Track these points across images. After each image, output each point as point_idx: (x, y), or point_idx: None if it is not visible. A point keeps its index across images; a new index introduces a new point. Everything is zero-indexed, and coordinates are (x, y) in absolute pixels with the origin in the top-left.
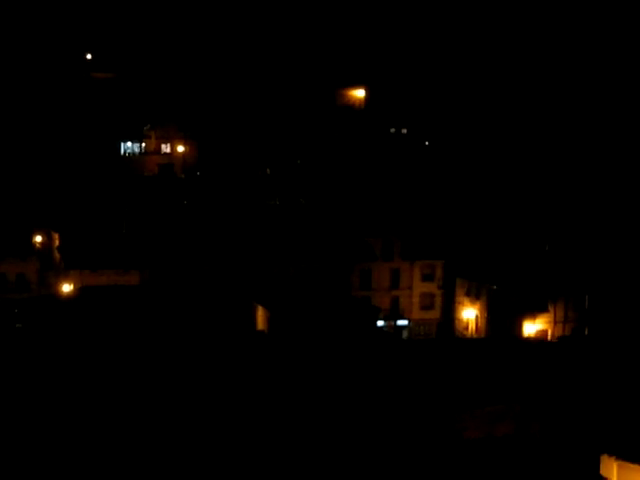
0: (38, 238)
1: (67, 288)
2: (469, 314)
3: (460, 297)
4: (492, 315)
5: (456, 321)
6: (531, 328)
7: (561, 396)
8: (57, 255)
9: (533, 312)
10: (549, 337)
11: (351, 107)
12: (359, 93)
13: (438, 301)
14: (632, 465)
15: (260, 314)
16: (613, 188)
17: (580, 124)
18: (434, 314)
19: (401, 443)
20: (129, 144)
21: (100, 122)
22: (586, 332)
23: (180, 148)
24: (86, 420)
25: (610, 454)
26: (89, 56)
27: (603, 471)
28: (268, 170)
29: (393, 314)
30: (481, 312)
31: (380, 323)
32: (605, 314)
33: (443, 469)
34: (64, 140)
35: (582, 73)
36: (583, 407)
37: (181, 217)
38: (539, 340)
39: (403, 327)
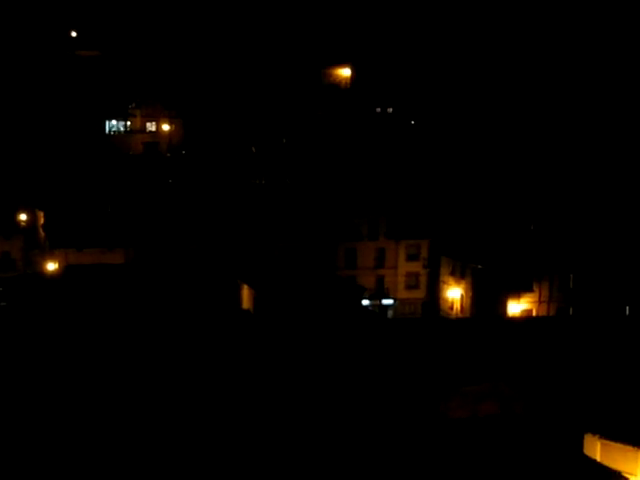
0: (23, 217)
1: (52, 267)
2: (454, 293)
3: (445, 276)
4: (477, 294)
5: (441, 300)
6: (516, 308)
7: (545, 376)
8: (42, 234)
9: (518, 292)
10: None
11: (337, 86)
12: (345, 72)
13: (423, 280)
14: (615, 444)
15: (245, 293)
16: (597, 167)
17: (565, 101)
18: (419, 293)
19: (386, 423)
20: (114, 122)
21: (85, 100)
22: (571, 312)
23: (165, 127)
24: (71, 399)
25: (594, 433)
26: (74, 34)
27: (587, 450)
28: (253, 149)
29: (378, 293)
30: (466, 291)
31: (365, 302)
32: (590, 294)
33: (427, 448)
34: (49, 119)
35: (569, 43)
36: (567, 387)
37: (166, 196)
38: (524, 318)
39: (388, 306)
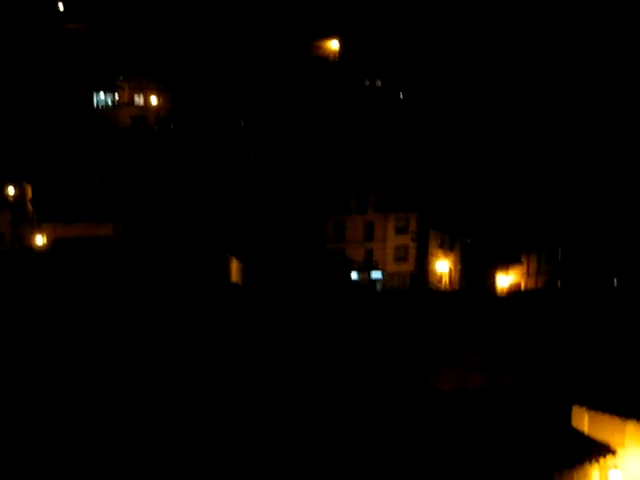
0: (11, 190)
1: (40, 241)
2: (443, 266)
3: (434, 249)
4: (465, 267)
5: (430, 273)
6: (504, 280)
7: (533, 348)
8: (30, 207)
9: (506, 264)
10: (522, 289)
11: (325, 59)
12: (333, 45)
13: (412, 253)
14: (602, 415)
15: (234, 266)
16: (586, 140)
17: (554, 75)
18: (408, 266)
19: (374, 394)
20: (102, 96)
21: (72, 73)
22: (559, 284)
23: (153, 100)
24: (58, 372)
25: (581, 405)
26: (61, 7)
27: (574, 421)
28: (242, 122)
29: (367, 266)
30: (454, 264)
31: (354, 275)
32: (578, 266)
33: (416, 419)
34: (36, 92)
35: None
36: (555, 359)
37: (154, 169)
38: (512, 292)
39: (377, 279)
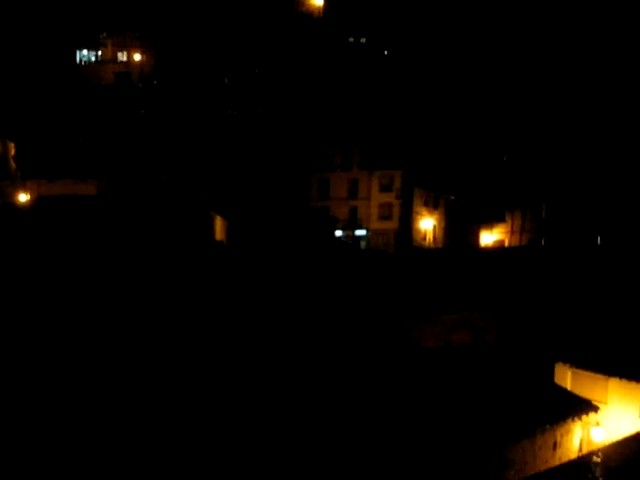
0: None
1: (24, 198)
2: (427, 224)
3: (418, 207)
4: (450, 225)
5: (414, 231)
6: (488, 238)
7: (517, 305)
8: (13, 165)
9: (490, 222)
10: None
11: (310, 15)
12: (318, 1)
13: (396, 211)
14: (585, 372)
15: (218, 224)
16: (569, 98)
17: (540, 36)
18: (392, 224)
19: (358, 352)
20: (85, 52)
21: (55, 30)
22: (543, 242)
23: (137, 56)
24: (39, 332)
25: (564, 362)
26: None
27: (557, 379)
28: (226, 79)
29: (351, 224)
30: (439, 222)
31: (338, 233)
32: (562, 224)
33: (399, 376)
34: (19, 49)
35: None
36: (538, 316)
37: (138, 126)
38: (496, 249)
39: (361, 237)
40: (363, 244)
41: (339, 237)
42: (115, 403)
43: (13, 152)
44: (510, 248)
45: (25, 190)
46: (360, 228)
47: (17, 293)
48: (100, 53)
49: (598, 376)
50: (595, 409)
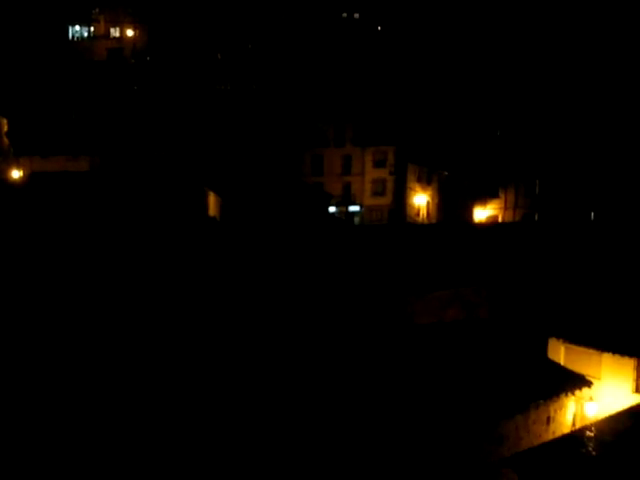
0: None
1: (16, 174)
2: (420, 200)
3: (412, 183)
4: (443, 201)
5: (407, 207)
6: (482, 214)
7: (510, 281)
8: (6, 141)
9: (484, 198)
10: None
11: None
12: None
13: (390, 187)
14: (578, 347)
15: (212, 200)
16: (562, 71)
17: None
18: (386, 200)
19: (350, 328)
20: (77, 28)
21: (47, 5)
22: (536, 218)
23: (130, 32)
24: (31, 308)
25: (558, 337)
26: None
27: (551, 354)
28: (219, 55)
29: (345, 200)
30: (432, 198)
31: (332, 209)
32: (555, 200)
33: (393, 352)
34: (11, 24)
35: None
36: (532, 292)
37: (131, 103)
38: (490, 224)
39: (355, 213)
40: (357, 220)
41: (333, 213)
42: (102, 381)
43: (6, 128)
44: (503, 224)
45: (18, 166)
46: (354, 204)
47: (10, 269)
48: (93, 29)
49: (591, 351)
50: (588, 384)
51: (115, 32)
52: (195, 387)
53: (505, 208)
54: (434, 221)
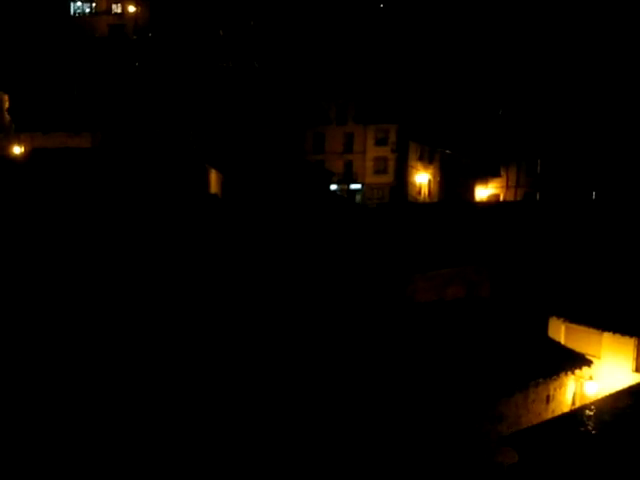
0: None
1: (18, 150)
2: (422, 178)
3: (413, 161)
4: (445, 179)
5: (409, 185)
6: (483, 193)
7: (511, 259)
8: (7, 117)
9: (485, 177)
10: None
11: None
12: None
13: (391, 165)
14: (579, 326)
15: (213, 178)
16: (568, 50)
17: None
18: (387, 178)
19: (351, 305)
20: (79, 4)
21: None
22: (538, 197)
23: (131, 8)
24: (32, 282)
25: (558, 316)
26: None
27: (551, 333)
28: (221, 31)
29: (346, 178)
30: (434, 176)
31: (333, 187)
32: (557, 179)
33: (394, 331)
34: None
35: None
36: (533, 270)
37: (133, 79)
38: (491, 203)
39: (356, 191)
40: (358, 198)
41: (334, 191)
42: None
43: (7, 104)
44: (505, 202)
45: (19, 143)
46: (355, 182)
47: (11, 245)
48: (94, 5)
49: (592, 330)
50: (588, 363)
51: (117, 8)
52: (196, 361)
53: (507, 187)
54: (435, 200)
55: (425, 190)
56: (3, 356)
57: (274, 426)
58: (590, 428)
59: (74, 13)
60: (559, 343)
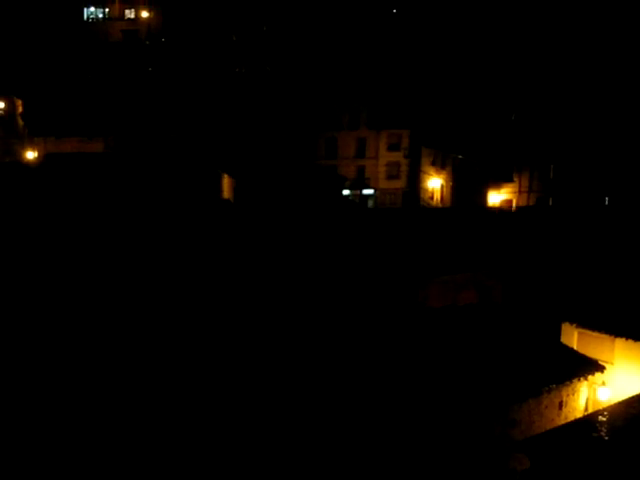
0: (1, 105)
1: (31, 155)
2: (434, 183)
3: (426, 166)
4: (457, 184)
5: (421, 190)
6: (496, 198)
7: (524, 265)
8: (20, 122)
9: (498, 182)
10: (513, 207)
11: None
12: None
13: (404, 170)
14: (592, 332)
15: (226, 183)
16: (582, 56)
17: None
18: (400, 183)
19: (363, 311)
20: (92, 9)
21: None
22: (550, 202)
23: (145, 14)
24: (44, 285)
25: (571, 322)
26: None
27: (564, 338)
28: (234, 37)
29: (359, 183)
30: (446, 181)
31: (346, 192)
32: (570, 184)
33: (407, 337)
34: (27, 5)
35: None
36: (545, 276)
37: (146, 84)
38: (503, 209)
39: (369, 196)
40: (371, 203)
41: (346, 196)
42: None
43: (21, 109)
44: (518, 208)
45: (32, 147)
46: (368, 187)
47: (25, 249)
48: (108, 10)
49: (605, 336)
50: (601, 369)
51: (130, 13)
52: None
53: (519, 192)
54: (448, 205)
55: (437, 195)
56: (7, 355)
57: (287, 429)
58: (603, 434)
59: (87, 18)
60: (572, 349)
